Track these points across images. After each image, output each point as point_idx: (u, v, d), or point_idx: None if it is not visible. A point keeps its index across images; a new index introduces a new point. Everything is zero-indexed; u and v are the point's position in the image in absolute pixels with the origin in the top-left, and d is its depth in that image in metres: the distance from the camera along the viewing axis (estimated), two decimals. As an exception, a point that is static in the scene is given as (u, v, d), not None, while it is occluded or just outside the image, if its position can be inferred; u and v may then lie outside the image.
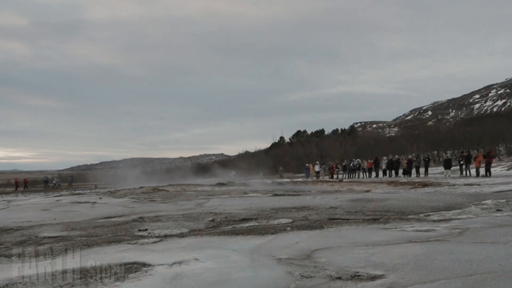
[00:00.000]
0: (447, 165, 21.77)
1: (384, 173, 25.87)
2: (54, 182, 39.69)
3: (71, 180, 42.34)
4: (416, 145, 50.64)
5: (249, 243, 4.92)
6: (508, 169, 25.06)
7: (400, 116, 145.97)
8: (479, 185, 13.73)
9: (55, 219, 8.63)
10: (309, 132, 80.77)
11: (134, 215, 8.94)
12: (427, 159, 26.34)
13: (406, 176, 22.98)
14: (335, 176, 29.92)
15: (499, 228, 5.51)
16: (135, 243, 5.25)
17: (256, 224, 6.80)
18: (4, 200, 18.07)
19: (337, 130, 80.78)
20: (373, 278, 3.26)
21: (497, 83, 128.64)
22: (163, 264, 3.88)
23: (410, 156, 31.20)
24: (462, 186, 13.98)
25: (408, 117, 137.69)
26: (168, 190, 19.85)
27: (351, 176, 28.67)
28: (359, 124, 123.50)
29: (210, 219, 7.49)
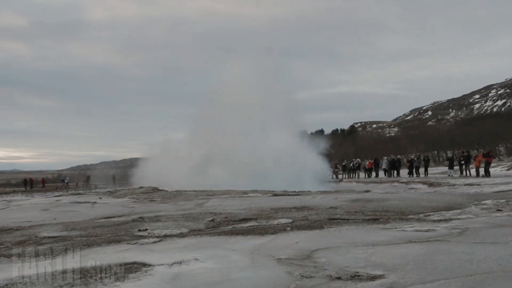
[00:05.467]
0: (451, 164, 21.84)
1: (385, 173, 25.89)
2: (66, 181, 40.89)
3: (87, 179, 44.31)
4: (416, 145, 50.66)
5: (249, 243, 4.91)
6: (508, 169, 25.11)
7: (400, 116, 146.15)
8: (479, 185, 13.74)
9: (55, 219, 8.62)
10: (308, 132, 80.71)
11: (134, 215, 8.93)
12: (426, 158, 26.40)
13: (410, 176, 23.04)
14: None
15: (499, 228, 5.51)
16: (135, 243, 5.25)
17: (256, 224, 6.79)
18: (4, 200, 18.08)
19: (337, 130, 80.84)
20: (373, 278, 3.26)
21: (497, 83, 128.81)
22: (163, 264, 3.87)
23: (412, 156, 31.28)
24: (462, 186, 13.99)
25: (408, 117, 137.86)
26: (167, 190, 19.84)
27: (351, 176, 28.71)
28: (359, 124, 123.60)
29: (210, 219, 7.48)
